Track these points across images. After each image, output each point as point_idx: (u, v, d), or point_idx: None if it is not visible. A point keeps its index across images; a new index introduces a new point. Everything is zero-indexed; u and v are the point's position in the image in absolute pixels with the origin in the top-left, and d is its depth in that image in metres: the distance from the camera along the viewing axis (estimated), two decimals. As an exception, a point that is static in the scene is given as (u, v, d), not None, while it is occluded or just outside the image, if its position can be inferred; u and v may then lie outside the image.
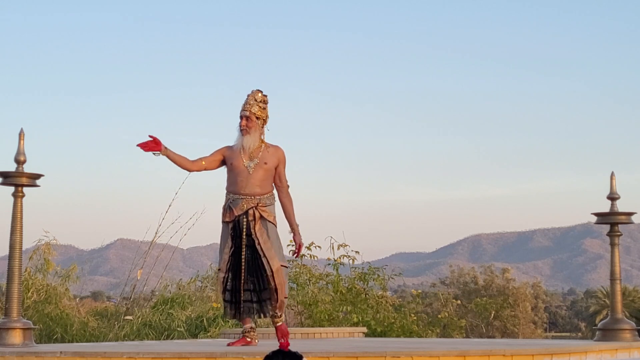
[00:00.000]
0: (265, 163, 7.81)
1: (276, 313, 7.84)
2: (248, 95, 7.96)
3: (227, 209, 7.82)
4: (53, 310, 13.79)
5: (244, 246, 7.73)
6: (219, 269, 7.89)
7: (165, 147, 7.68)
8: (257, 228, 7.73)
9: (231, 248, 7.77)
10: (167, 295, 14.81)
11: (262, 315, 7.89)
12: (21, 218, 7.60)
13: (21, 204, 7.61)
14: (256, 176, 7.78)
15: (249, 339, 7.83)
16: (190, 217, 14.85)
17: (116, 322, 13.93)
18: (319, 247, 14.23)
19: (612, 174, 9.08)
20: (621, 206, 9.10)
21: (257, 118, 7.88)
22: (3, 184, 7.62)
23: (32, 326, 7.61)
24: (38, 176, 7.63)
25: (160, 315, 13.78)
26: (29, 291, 13.78)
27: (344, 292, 14.40)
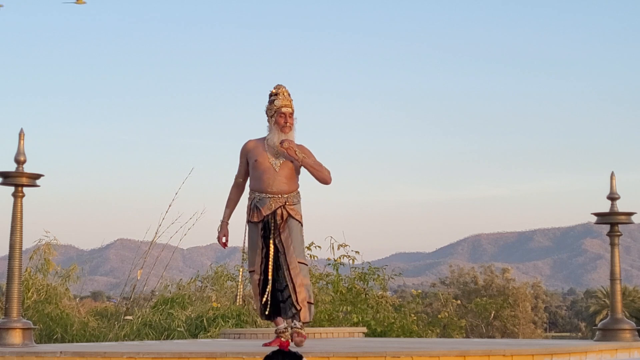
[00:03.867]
0: (291, 161, 7.46)
1: (298, 318, 7.43)
2: (280, 90, 7.55)
3: (254, 208, 7.45)
4: (53, 310, 13.77)
5: (272, 247, 7.40)
6: (252, 271, 7.53)
7: (226, 223, 7.68)
8: (284, 228, 7.42)
9: (262, 249, 7.44)
10: (167, 295, 14.77)
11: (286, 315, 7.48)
12: (21, 218, 7.59)
13: (21, 204, 7.60)
14: (283, 174, 7.44)
15: (283, 339, 7.41)
16: (190, 217, 14.81)
17: (116, 322, 13.91)
18: (319, 247, 14.20)
19: (612, 174, 9.07)
20: (621, 206, 9.08)
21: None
22: (3, 184, 7.62)
23: (32, 326, 7.60)
24: (38, 176, 7.62)
25: (160, 315, 13.75)
26: (29, 291, 13.76)
27: (344, 292, 14.39)
